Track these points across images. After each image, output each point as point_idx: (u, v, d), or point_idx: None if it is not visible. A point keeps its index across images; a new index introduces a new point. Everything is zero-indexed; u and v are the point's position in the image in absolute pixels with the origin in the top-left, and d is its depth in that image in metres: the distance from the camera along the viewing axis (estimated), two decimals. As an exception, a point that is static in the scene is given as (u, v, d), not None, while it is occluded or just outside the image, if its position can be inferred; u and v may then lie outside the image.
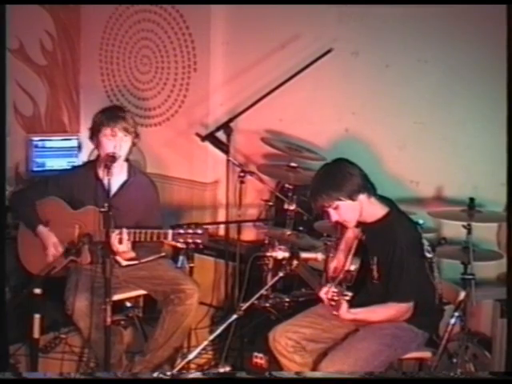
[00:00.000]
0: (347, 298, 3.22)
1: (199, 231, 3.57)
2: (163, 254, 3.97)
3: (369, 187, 3.31)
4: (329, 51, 4.39)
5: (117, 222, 3.57)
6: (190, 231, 3.56)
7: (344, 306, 3.19)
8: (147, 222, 3.78)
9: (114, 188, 3.72)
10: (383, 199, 3.38)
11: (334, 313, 3.22)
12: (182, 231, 3.57)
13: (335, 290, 3.22)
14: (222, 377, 3.16)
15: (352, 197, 3.25)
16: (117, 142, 3.70)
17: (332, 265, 3.51)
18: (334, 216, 3.30)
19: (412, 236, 3.26)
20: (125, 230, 3.59)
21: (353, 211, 3.29)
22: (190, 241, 3.57)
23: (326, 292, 3.24)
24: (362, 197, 3.27)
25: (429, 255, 3.24)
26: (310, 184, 3.39)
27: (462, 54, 4.20)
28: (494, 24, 3.79)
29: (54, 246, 3.75)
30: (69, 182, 3.86)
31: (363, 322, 3.29)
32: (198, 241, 3.57)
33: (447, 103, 4.31)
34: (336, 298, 3.20)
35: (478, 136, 4.21)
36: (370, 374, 3.04)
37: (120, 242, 3.59)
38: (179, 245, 3.65)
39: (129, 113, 3.88)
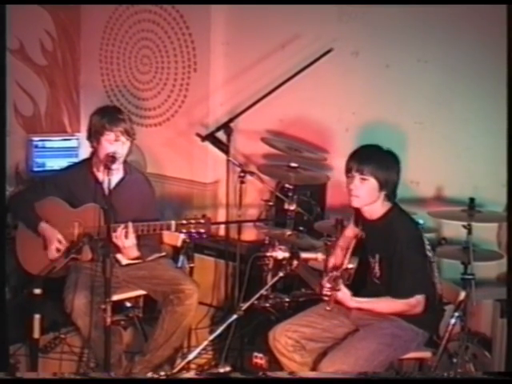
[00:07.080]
0: (340, 292, 3.21)
1: (202, 220, 3.57)
2: (164, 253, 3.98)
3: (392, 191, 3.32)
4: (329, 51, 4.38)
5: (115, 219, 3.57)
6: (193, 221, 3.57)
7: (347, 294, 3.21)
8: (144, 218, 3.78)
9: (111, 186, 3.72)
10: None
11: (327, 308, 3.23)
12: (184, 221, 3.58)
13: (329, 285, 3.22)
14: (221, 377, 3.15)
15: (382, 187, 3.25)
16: (118, 146, 3.71)
17: (331, 262, 3.50)
18: (356, 185, 3.26)
19: (413, 233, 3.26)
20: (130, 224, 3.60)
21: (371, 196, 3.27)
22: (194, 231, 3.57)
23: (321, 287, 3.25)
24: (383, 194, 3.28)
25: (429, 254, 3.25)
26: (360, 147, 3.35)
27: (463, 54, 4.20)
28: (494, 24, 3.80)
29: (58, 241, 3.73)
30: (66, 181, 3.86)
31: (370, 312, 3.27)
32: (202, 230, 3.57)
33: (447, 103, 4.31)
34: (329, 293, 3.21)
35: (478, 136, 4.21)
36: (370, 373, 3.04)
37: (126, 236, 3.59)
38: (183, 236, 3.64)
39: (125, 114, 3.88)
